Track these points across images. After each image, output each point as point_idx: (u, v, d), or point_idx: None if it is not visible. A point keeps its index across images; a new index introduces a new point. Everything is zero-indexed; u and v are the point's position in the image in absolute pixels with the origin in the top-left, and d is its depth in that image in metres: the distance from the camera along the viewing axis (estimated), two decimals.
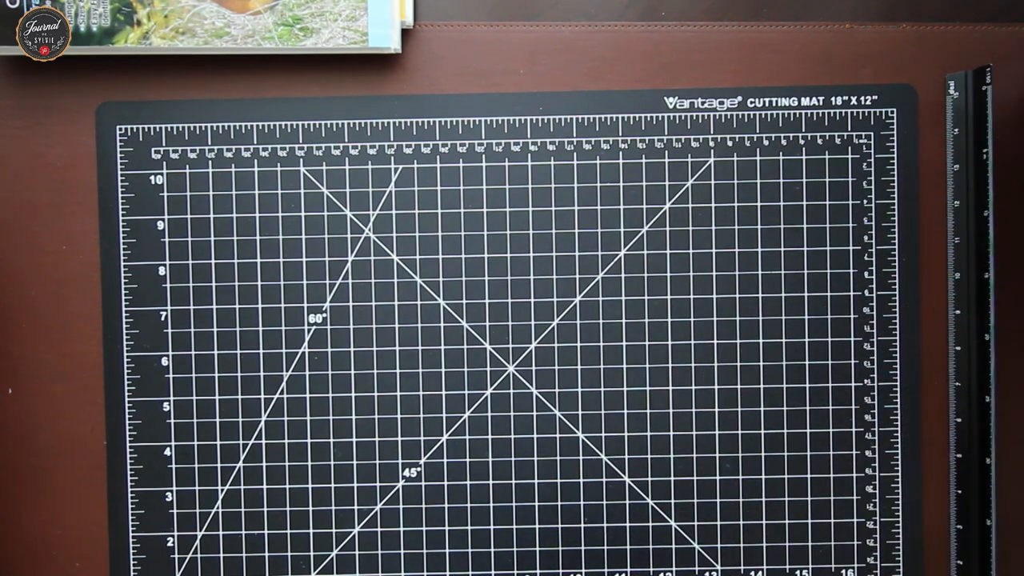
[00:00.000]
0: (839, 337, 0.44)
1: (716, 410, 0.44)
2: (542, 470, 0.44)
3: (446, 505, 0.44)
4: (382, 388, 0.44)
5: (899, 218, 0.44)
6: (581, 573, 0.44)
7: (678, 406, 0.44)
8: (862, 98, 0.44)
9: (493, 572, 0.43)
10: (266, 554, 0.43)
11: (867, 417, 0.44)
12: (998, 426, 0.43)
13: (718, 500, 0.44)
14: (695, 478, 0.44)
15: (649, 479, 0.44)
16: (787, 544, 0.44)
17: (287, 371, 0.44)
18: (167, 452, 0.44)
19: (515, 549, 0.44)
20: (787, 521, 0.44)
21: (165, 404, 0.44)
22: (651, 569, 0.44)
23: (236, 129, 0.44)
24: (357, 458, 0.43)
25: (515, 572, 0.44)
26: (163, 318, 0.44)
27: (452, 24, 0.44)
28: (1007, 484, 0.43)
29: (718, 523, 0.44)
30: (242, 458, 0.44)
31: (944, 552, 0.44)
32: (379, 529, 0.43)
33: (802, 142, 0.44)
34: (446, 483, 0.44)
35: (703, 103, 0.44)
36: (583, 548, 0.44)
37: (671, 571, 0.44)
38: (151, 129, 0.44)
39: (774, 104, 0.44)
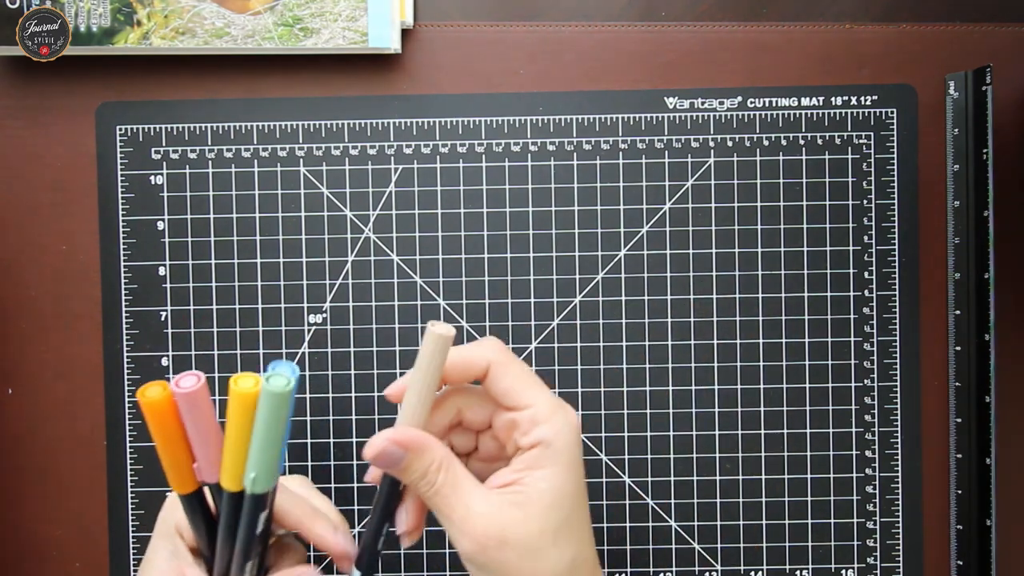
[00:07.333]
0: (839, 337, 0.44)
1: (716, 410, 0.44)
2: None
3: None
4: (382, 388, 0.43)
5: (899, 218, 0.44)
6: None
7: (678, 406, 0.44)
8: (862, 98, 0.44)
9: None
10: None
11: (867, 417, 0.44)
12: (998, 426, 0.43)
13: (718, 500, 0.44)
14: (695, 478, 0.44)
15: (649, 479, 0.44)
16: (787, 544, 0.44)
17: None
18: None
19: None
20: (787, 521, 0.44)
21: None
22: (651, 569, 0.44)
23: (236, 129, 0.44)
24: (357, 459, 0.43)
25: None
26: (163, 318, 0.44)
27: (452, 24, 0.44)
28: (1007, 484, 0.43)
29: (718, 523, 0.44)
30: None
31: (944, 552, 0.44)
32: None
33: (802, 142, 0.44)
34: None
35: (703, 103, 0.44)
36: None
37: (671, 571, 0.44)
38: (151, 129, 0.44)
39: (774, 104, 0.44)
